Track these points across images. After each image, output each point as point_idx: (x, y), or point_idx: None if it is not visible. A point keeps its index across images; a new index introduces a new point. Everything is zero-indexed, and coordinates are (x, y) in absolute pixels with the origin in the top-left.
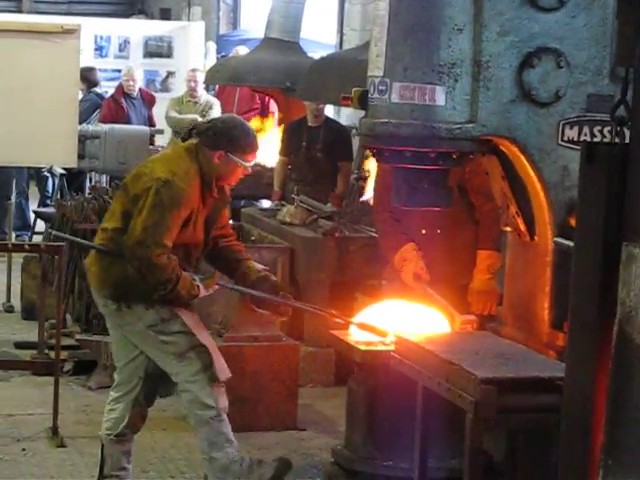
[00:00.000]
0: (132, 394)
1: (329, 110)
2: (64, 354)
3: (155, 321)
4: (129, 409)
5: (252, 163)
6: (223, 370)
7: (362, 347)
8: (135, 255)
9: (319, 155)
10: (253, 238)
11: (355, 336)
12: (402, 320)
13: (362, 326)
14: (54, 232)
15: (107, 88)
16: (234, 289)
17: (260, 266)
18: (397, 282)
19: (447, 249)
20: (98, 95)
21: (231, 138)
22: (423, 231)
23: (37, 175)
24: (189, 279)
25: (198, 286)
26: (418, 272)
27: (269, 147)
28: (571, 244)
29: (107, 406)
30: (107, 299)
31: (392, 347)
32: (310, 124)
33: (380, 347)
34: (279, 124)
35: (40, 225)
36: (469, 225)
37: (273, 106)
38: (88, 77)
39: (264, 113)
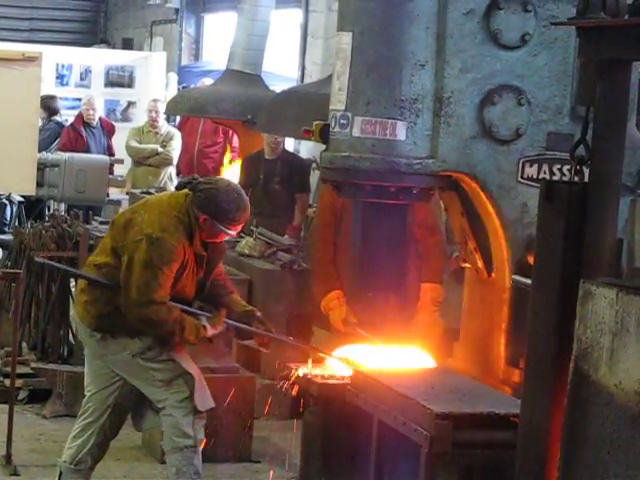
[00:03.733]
0: (99, 422)
1: (289, 143)
2: (19, 382)
3: (141, 349)
4: (94, 437)
5: (234, 233)
6: (204, 400)
7: (318, 380)
8: (135, 316)
9: (277, 187)
10: None
11: (311, 369)
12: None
13: (344, 361)
14: (40, 259)
15: (68, 117)
16: (238, 327)
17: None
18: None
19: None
20: (58, 124)
21: (220, 209)
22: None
23: None
24: (194, 324)
25: (205, 326)
26: (344, 317)
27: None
28: (528, 282)
29: (72, 433)
30: (92, 330)
31: (348, 380)
32: (267, 157)
33: (336, 380)
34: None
35: None
36: (413, 258)
37: (237, 141)
38: (49, 105)
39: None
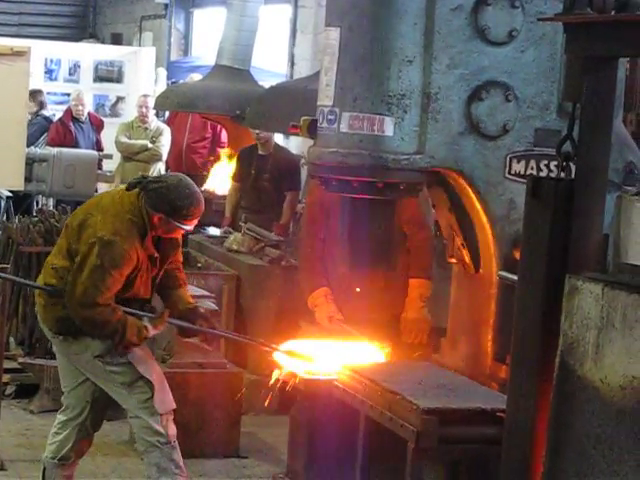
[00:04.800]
0: (79, 419)
1: (279, 139)
2: (6, 377)
3: (102, 351)
4: (75, 433)
5: (192, 227)
6: (165, 402)
7: (305, 376)
8: (77, 314)
9: (266, 184)
10: (200, 265)
11: (299, 365)
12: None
13: (288, 353)
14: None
15: (56, 112)
16: (177, 325)
17: (201, 291)
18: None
19: (379, 278)
20: (46, 118)
21: (173, 206)
22: (357, 289)
23: None
24: (136, 324)
25: (146, 327)
26: (331, 314)
27: (220, 175)
28: (515, 278)
29: (53, 429)
30: (53, 332)
31: (335, 376)
32: (260, 152)
33: (324, 376)
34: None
35: None
36: (401, 254)
37: (225, 136)
38: (41, 100)
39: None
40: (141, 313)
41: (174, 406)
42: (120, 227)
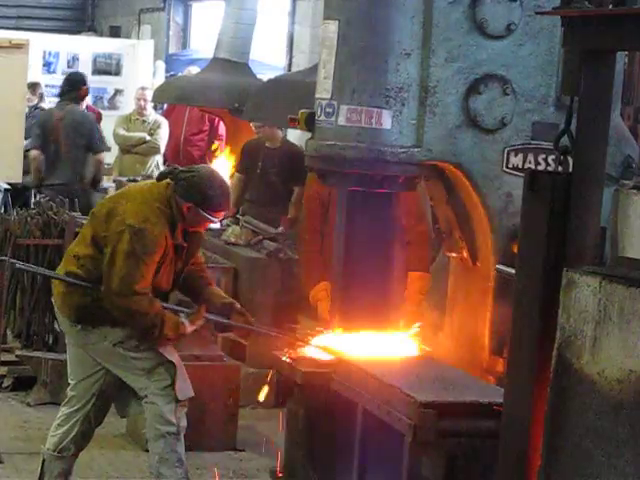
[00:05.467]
0: (84, 410)
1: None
2: (3, 370)
3: (122, 338)
4: (78, 425)
5: (219, 220)
6: (184, 390)
7: (303, 368)
8: (115, 305)
9: (274, 178)
10: None
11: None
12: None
13: (324, 349)
14: (16, 263)
15: (54, 104)
16: (217, 321)
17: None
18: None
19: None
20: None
21: (205, 196)
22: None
23: None
24: (174, 319)
25: (183, 323)
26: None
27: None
28: (512, 271)
29: (55, 421)
30: (71, 321)
31: (333, 368)
32: (268, 145)
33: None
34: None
35: None
36: (399, 247)
37: (223, 129)
38: (41, 93)
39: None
40: (178, 308)
41: (192, 394)
42: (149, 214)
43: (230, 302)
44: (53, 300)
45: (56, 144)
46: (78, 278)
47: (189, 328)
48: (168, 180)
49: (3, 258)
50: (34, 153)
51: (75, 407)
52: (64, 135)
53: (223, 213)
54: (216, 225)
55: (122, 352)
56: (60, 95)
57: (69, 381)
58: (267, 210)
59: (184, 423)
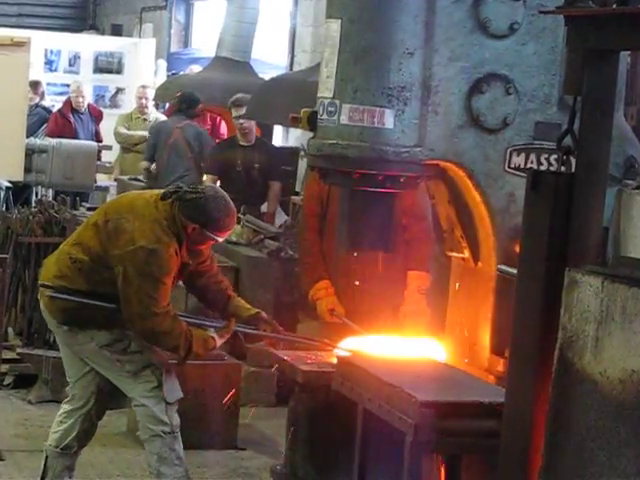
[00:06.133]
0: (85, 408)
1: (278, 131)
2: (5, 367)
3: (109, 341)
4: (79, 423)
5: (224, 238)
6: (173, 391)
7: (304, 367)
8: (139, 327)
9: (256, 175)
10: None
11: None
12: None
13: (354, 353)
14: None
15: (56, 102)
16: (247, 333)
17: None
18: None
19: (378, 270)
20: (45, 109)
21: (210, 217)
22: (355, 253)
23: None
24: (202, 336)
25: (213, 338)
26: (332, 307)
27: None
28: (514, 272)
29: (57, 418)
30: (58, 322)
31: (334, 368)
32: (242, 144)
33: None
34: None
35: None
36: (399, 246)
37: (224, 127)
38: (43, 91)
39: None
40: (207, 323)
41: (181, 395)
42: (160, 234)
43: (256, 312)
44: (42, 302)
45: (169, 155)
46: (67, 279)
47: (219, 342)
48: (172, 199)
49: (4, 256)
50: (145, 164)
51: (76, 405)
52: (178, 147)
53: (228, 233)
54: None
55: (108, 355)
56: (178, 111)
57: (67, 380)
58: (249, 208)
59: (177, 421)
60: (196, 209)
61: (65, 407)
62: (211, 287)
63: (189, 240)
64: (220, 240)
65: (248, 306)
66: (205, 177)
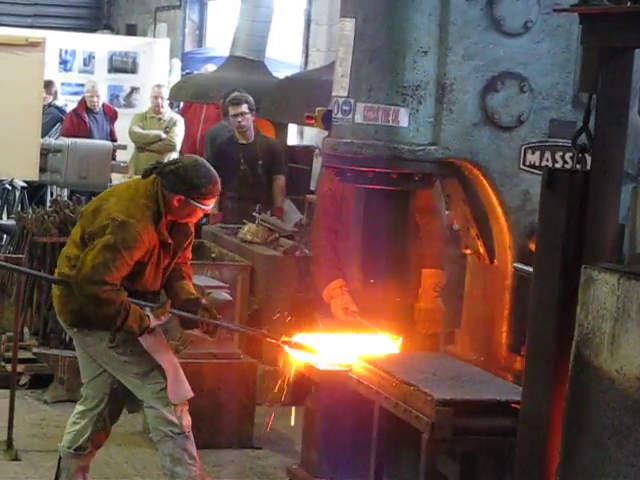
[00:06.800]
0: (98, 409)
1: (292, 129)
2: (21, 367)
3: (117, 341)
4: (93, 424)
5: (210, 207)
6: (178, 393)
7: (320, 367)
8: (82, 291)
9: (260, 172)
10: (214, 255)
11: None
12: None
13: (293, 345)
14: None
15: (71, 102)
16: (183, 316)
17: (215, 282)
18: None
19: (392, 268)
20: (58, 108)
21: (192, 185)
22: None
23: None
24: (139, 312)
25: (148, 316)
26: (346, 306)
27: None
28: (530, 269)
29: (71, 418)
30: (68, 324)
31: (350, 367)
32: (241, 142)
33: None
34: None
35: None
36: (413, 244)
37: None
38: (56, 90)
39: None
40: (143, 303)
41: (190, 396)
42: (134, 210)
43: (196, 297)
44: (53, 303)
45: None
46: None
47: (153, 322)
48: (154, 176)
49: (20, 256)
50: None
51: (89, 406)
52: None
53: (213, 200)
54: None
55: (117, 356)
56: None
57: (82, 380)
58: (253, 205)
59: (187, 421)
60: (177, 179)
61: (79, 408)
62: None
63: (176, 214)
64: (206, 209)
65: (192, 290)
66: None
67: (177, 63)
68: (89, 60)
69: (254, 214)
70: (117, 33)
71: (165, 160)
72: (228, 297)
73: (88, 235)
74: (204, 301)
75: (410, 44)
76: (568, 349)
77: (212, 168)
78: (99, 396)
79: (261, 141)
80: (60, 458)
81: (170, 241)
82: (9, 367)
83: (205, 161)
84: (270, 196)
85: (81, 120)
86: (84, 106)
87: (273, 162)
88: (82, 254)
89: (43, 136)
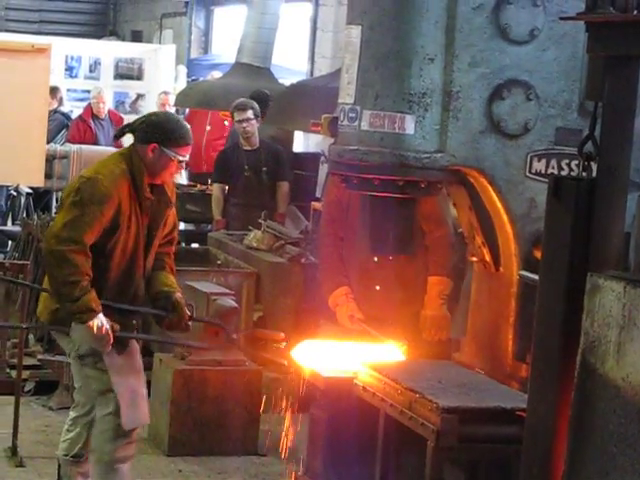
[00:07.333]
0: (90, 415)
1: (298, 136)
2: (26, 374)
3: (85, 352)
4: (86, 430)
5: (186, 158)
6: (132, 419)
7: (325, 374)
8: (49, 249)
9: (265, 178)
10: (219, 262)
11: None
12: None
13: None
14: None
15: (76, 109)
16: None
17: (221, 288)
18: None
19: (398, 275)
20: (64, 114)
21: (164, 131)
22: (375, 259)
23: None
24: (95, 302)
25: (98, 318)
26: (352, 313)
27: None
28: (535, 277)
29: (65, 426)
30: (48, 324)
31: (355, 374)
32: (246, 148)
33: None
34: None
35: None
36: (420, 251)
37: None
38: (61, 97)
39: None
40: (121, 306)
41: (145, 422)
42: (101, 168)
43: (167, 292)
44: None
45: None
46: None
47: (97, 331)
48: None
49: (25, 262)
50: None
51: (81, 412)
52: None
53: (187, 148)
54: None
55: (79, 367)
56: None
57: (74, 385)
58: (257, 211)
59: (121, 453)
60: (148, 127)
61: (71, 414)
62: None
63: (153, 169)
64: (181, 159)
65: (168, 283)
66: (214, 186)
67: (183, 70)
68: (95, 66)
69: (260, 221)
70: (123, 39)
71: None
72: (234, 304)
73: (61, 203)
74: (178, 295)
75: (416, 51)
76: (574, 357)
77: (182, 119)
78: (90, 402)
79: (266, 147)
80: (59, 465)
81: (151, 197)
82: (14, 374)
83: (175, 114)
84: (274, 202)
85: (87, 126)
86: (90, 112)
87: (277, 168)
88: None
89: (49, 142)
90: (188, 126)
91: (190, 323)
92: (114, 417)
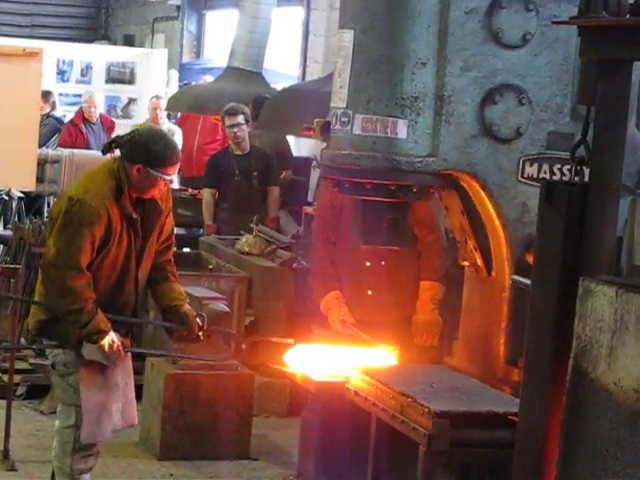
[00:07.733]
0: (71, 422)
1: (290, 141)
2: (17, 378)
3: (62, 361)
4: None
5: (173, 176)
6: (91, 434)
7: (317, 378)
8: (49, 277)
9: (255, 182)
10: (211, 267)
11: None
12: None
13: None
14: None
15: (68, 113)
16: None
17: (213, 293)
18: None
19: (391, 280)
20: (56, 119)
21: (149, 152)
22: (367, 263)
23: None
24: (104, 323)
25: (112, 342)
26: (343, 318)
27: None
28: (527, 282)
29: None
30: (33, 333)
31: (347, 378)
32: (236, 153)
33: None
34: None
35: None
36: (412, 256)
37: None
38: (53, 101)
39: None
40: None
41: (105, 439)
42: (90, 186)
43: (175, 306)
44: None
45: None
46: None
47: (108, 348)
48: (116, 154)
49: (17, 266)
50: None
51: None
52: None
53: (174, 168)
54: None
55: (52, 374)
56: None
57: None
58: (248, 216)
59: (82, 466)
60: (134, 147)
61: (56, 423)
62: (156, 266)
63: (140, 187)
64: (167, 179)
65: (175, 295)
66: (204, 191)
67: (175, 74)
68: (86, 71)
69: (251, 225)
70: (115, 44)
71: None
72: (225, 308)
73: (51, 223)
74: (186, 308)
75: (409, 55)
76: (566, 361)
77: (169, 136)
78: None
79: (256, 152)
80: (53, 471)
81: (135, 216)
82: (6, 378)
83: (162, 130)
84: (265, 207)
85: (78, 131)
86: (81, 117)
87: (268, 173)
88: (47, 242)
89: (41, 146)
90: (175, 143)
91: (201, 334)
92: (75, 430)
